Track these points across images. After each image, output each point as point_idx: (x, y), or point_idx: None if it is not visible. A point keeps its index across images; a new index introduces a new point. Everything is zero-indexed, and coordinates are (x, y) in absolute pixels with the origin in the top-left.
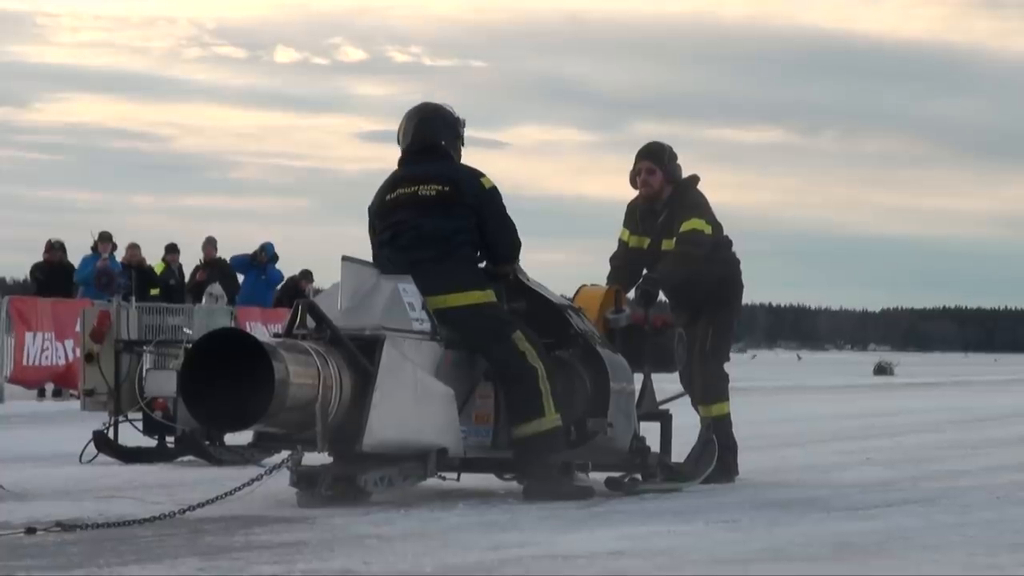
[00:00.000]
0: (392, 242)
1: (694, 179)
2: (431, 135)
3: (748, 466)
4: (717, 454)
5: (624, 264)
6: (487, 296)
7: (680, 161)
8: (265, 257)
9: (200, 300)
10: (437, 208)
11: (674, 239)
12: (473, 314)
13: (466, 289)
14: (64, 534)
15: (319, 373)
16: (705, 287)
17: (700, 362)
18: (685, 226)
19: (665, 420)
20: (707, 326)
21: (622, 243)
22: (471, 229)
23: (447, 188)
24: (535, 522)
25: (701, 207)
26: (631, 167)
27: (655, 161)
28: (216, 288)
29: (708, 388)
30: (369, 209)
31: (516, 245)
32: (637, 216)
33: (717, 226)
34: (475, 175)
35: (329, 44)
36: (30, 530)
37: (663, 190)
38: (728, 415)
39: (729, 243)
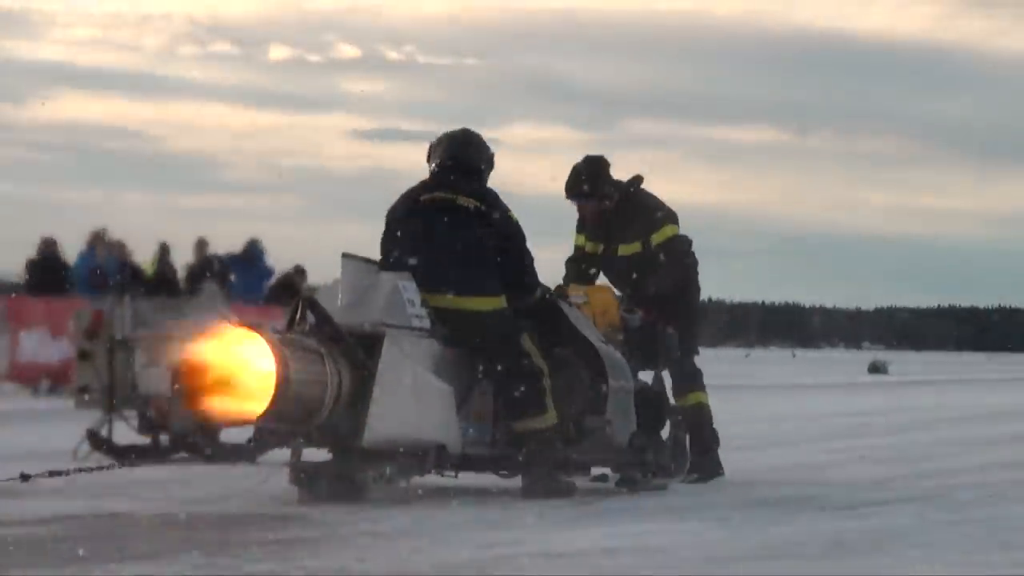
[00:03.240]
0: (425, 235)
1: (638, 180)
2: (472, 158)
3: (742, 464)
4: (689, 447)
5: (580, 267)
6: (502, 302)
7: (676, 158)
8: (253, 253)
9: (193, 298)
10: (473, 220)
11: (638, 244)
12: (489, 318)
13: (488, 294)
14: (63, 526)
15: (319, 369)
16: (676, 287)
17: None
18: (667, 232)
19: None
20: (674, 324)
21: (578, 247)
22: (496, 248)
23: (483, 207)
24: (529, 519)
25: (668, 212)
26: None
27: (584, 198)
28: (211, 286)
29: (681, 381)
30: (391, 212)
31: (535, 281)
32: (589, 224)
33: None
34: (506, 208)
35: (323, 41)
36: (24, 477)
37: (603, 207)
38: (706, 405)
39: (689, 242)
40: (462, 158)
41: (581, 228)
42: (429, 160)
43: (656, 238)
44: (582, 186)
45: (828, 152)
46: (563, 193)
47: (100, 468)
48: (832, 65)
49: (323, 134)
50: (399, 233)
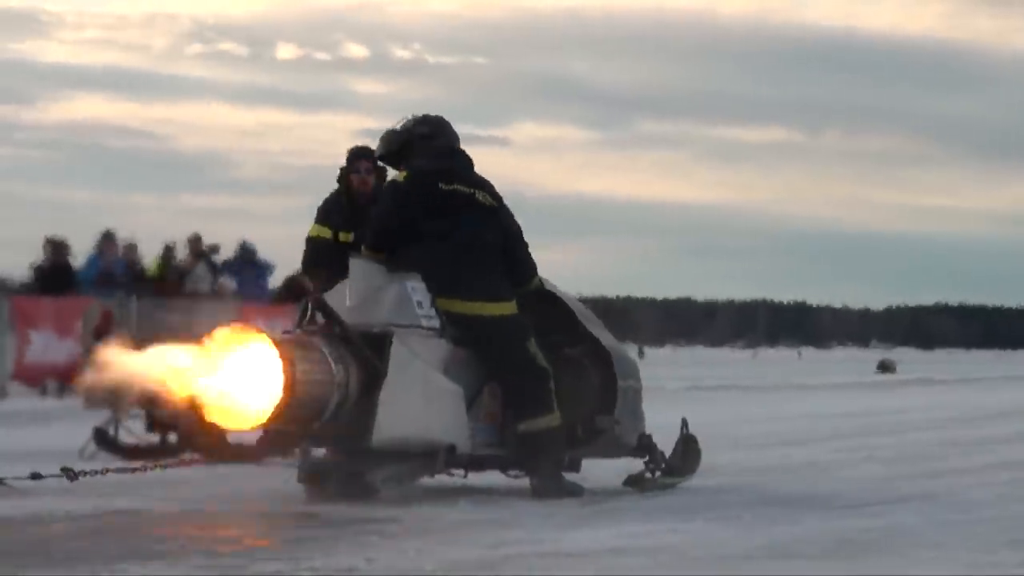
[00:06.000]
0: (445, 236)
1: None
2: (458, 145)
3: (750, 464)
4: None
5: (332, 262)
6: (514, 307)
7: (684, 158)
8: (246, 254)
9: (185, 286)
10: (489, 218)
11: None
12: (501, 323)
13: (502, 299)
14: (72, 525)
15: (327, 370)
16: None
17: None
18: None
19: None
20: None
21: (323, 241)
22: (502, 245)
23: (494, 203)
24: (537, 519)
25: None
26: (345, 164)
27: (373, 161)
28: (200, 268)
29: None
30: (403, 193)
31: (532, 269)
32: (343, 212)
33: None
34: (501, 197)
35: (331, 41)
36: (35, 476)
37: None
38: None
39: None
40: (456, 144)
41: (326, 219)
42: (420, 141)
43: None
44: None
45: (837, 151)
46: (558, 189)
47: (110, 471)
48: (841, 64)
49: (331, 133)
50: (416, 224)
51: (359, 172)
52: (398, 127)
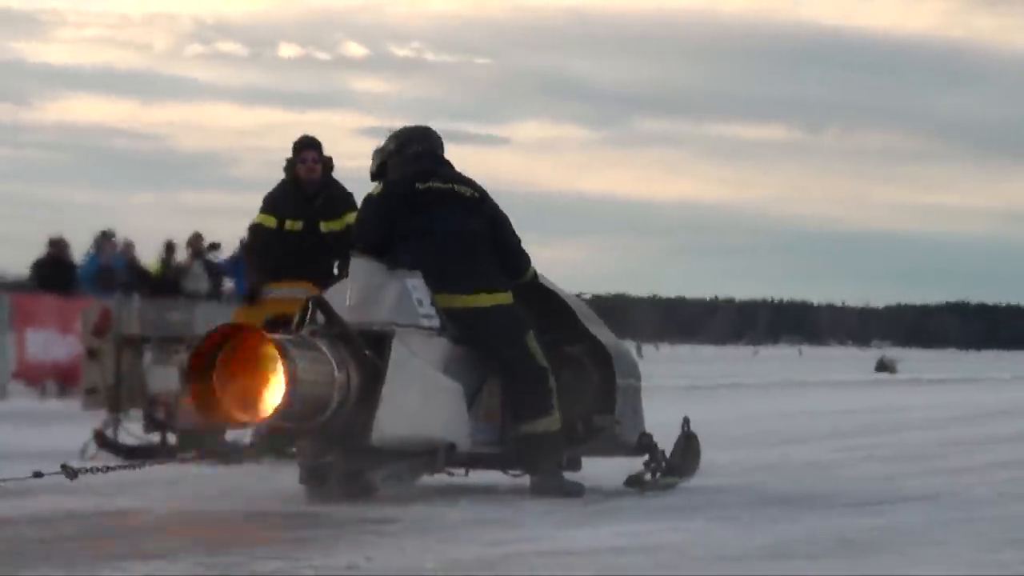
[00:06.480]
0: (429, 233)
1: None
2: (439, 150)
3: (750, 462)
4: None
5: (277, 250)
6: (508, 297)
7: (685, 156)
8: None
9: (184, 287)
10: (472, 210)
11: (336, 222)
12: (496, 314)
13: (495, 290)
14: (72, 525)
15: (328, 369)
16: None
17: None
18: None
19: None
20: None
21: (267, 229)
22: (491, 236)
23: (476, 195)
24: (537, 518)
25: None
26: (291, 156)
27: (319, 151)
28: (197, 267)
29: None
30: (382, 202)
31: (527, 261)
32: (290, 201)
33: None
34: (486, 191)
35: (331, 40)
36: (37, 474)
37: (322, 170)
38: None
39: None
40: (433, 149)
41: (272, 209)
42: (391, 157)
43: (349, 218)
44: (319, 141)
45: (837, 149)
46: (558, 188)
47: (110, 468)
48: (841, 62)
49: (332, 132)
50: (399, 226)
51: (306, 161)
52: (378, 147)
